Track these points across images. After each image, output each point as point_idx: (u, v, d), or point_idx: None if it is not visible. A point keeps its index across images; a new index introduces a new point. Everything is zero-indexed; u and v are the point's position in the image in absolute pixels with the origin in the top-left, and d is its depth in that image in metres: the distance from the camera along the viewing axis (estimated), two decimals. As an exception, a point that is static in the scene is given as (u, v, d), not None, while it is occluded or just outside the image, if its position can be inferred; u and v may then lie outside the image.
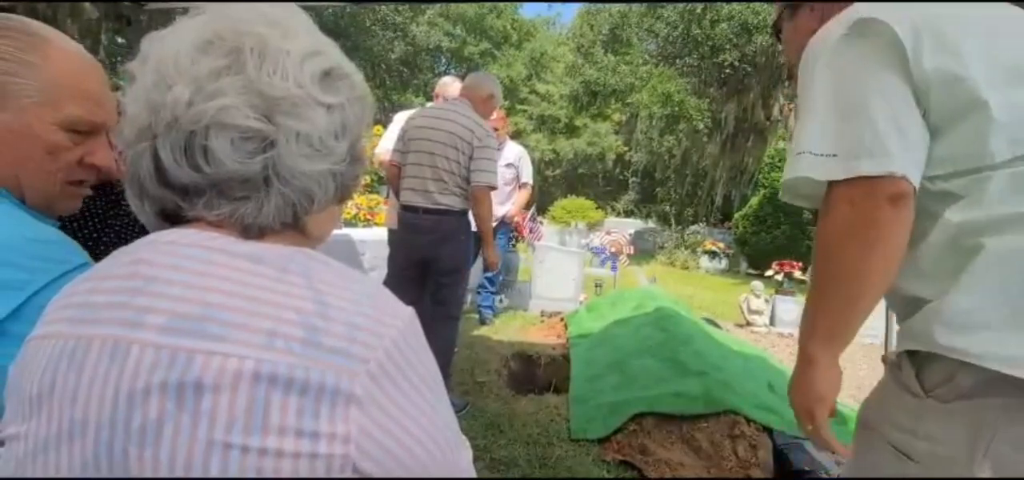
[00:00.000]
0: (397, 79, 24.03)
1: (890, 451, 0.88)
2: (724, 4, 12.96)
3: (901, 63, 0.83)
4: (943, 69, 0.82)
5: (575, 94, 21.81)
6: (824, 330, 0.92)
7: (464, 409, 2.91)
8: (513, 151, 4.73)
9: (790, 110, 13.16)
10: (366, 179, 5.72)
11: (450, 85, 3.91)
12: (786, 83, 12.84)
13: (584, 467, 2.45)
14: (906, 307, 0.91)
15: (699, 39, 13.99)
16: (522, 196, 4.85)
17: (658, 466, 2.41)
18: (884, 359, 1.21)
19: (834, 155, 0.84)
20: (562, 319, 4.92)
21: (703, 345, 3.56)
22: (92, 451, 0.49)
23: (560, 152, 24.25)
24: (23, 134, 0.78)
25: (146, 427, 0.47)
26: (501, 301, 5.39)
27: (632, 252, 8.58)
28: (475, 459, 1.76)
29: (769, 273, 7.26)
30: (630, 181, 23.65)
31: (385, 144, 3.86)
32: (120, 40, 11.93)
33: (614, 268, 7.41)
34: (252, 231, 0.56)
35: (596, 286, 6.46)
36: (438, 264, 2.89)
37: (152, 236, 0.56)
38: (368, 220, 5.58)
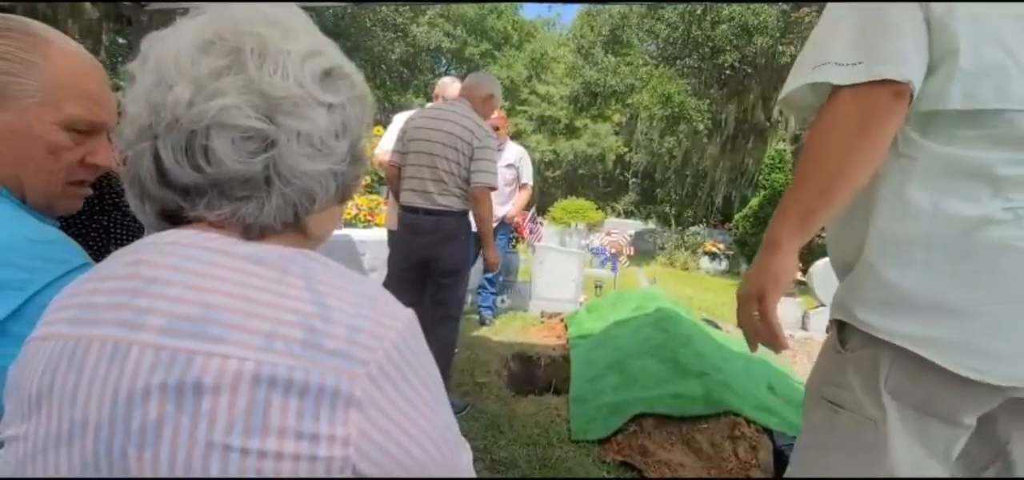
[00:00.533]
0: (397, 80, 24.00)
1: (826, 406, 1.02)
2: (724, 5, 12.94)
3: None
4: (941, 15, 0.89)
5: (575, 95, 21.80)
6: (795, 216, 0.96)
7: (464, 410, 2.91)
8: (513, 152, 4.72)
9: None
10: (366, 180, 5.71)
11: (450, 85, 3.88)
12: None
13: (584, 468, 2.45)
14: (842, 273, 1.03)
15: (699, 40, 13.97)
16: (522, 197, 4.84)
17: (658, 467, 2.41)
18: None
19: (860, 63, 0.89)
20: (562, 320, 4.92)
21: (703, 346, 3.56)
22: (92, 452, 0.48)
23: (560, 153, 24.21)
24: (24, 134, 0.78)
25: (146, 428, 0.47)
26: (502, 302, 5.38)
27: (632, 253, 8.56)
28: (475, 460, 1.77)
29: (769, 274, 7.22)
30: (630, 182, 23.61)
31: (385, 145, 3.83)
32: (120, 40, 11.93)
33: (614, 269, 7.39)
34: (253, 231, 0.56)
35: (596, 287, 6.44)
36: (438, 265, 2.88)
37: (153, 236, 0.56)
38: (368, 221, 5.56)
